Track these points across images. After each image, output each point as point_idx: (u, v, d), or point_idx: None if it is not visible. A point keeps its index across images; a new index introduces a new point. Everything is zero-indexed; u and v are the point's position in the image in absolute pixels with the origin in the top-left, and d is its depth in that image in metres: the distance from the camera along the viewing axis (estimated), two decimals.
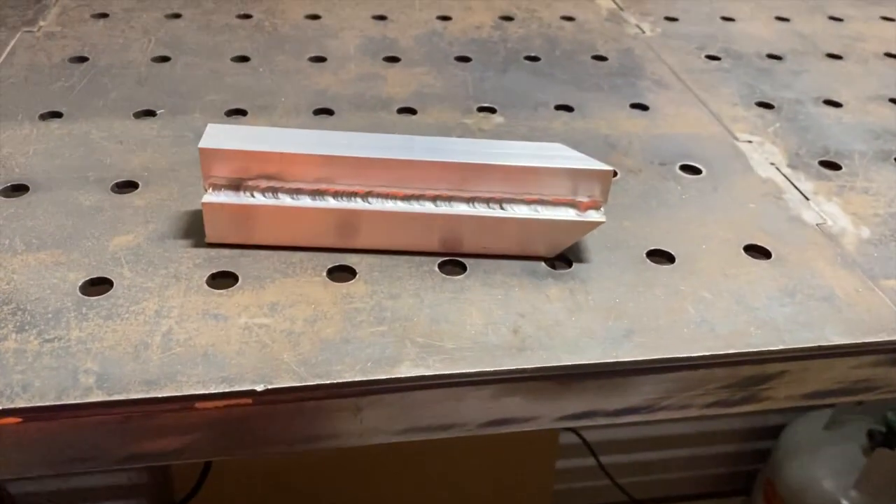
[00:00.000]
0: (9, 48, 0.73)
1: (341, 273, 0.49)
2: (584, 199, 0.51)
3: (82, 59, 0.72)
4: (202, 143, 0.48)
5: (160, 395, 0.40)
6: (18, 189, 0.55)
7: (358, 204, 0.50)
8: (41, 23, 0.79)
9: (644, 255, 0.52)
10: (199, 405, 0.40)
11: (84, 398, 0.39)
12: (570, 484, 1.61)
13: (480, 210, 0.50)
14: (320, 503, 1.36)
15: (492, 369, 0.43)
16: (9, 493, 1.29)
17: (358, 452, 1.23)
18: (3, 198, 0.53)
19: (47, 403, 0.39)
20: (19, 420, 0.39)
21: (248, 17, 0.84)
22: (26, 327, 0.43)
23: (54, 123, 0.62)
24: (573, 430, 1.46)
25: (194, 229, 0.51)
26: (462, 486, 1.41)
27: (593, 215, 0.51)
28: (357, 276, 0.49)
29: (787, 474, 1.45)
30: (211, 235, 0.50)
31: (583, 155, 0.51)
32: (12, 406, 0.39)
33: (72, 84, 0.68)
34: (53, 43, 0.75)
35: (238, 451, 0.44)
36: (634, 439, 1.61)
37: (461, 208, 0.50)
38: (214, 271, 0.48)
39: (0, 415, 0.38)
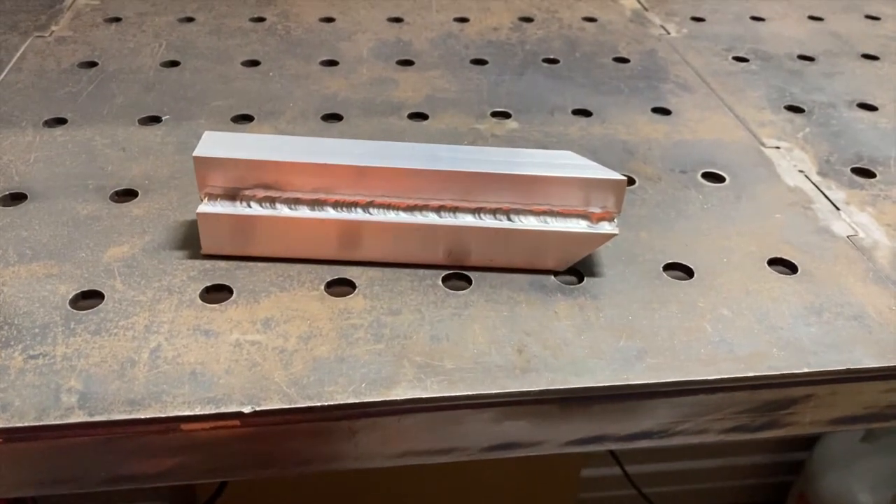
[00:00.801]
0: (19, 53, 0.73)
1: (340, 287, 0.47)
2: (597, 210, 0.48)
3: (91, 65, 0.71)
4: (197, 152, 0.47)
5: (143, 417, 0.38)
6: (17, 198, 0.53)
7: (359, 215, 0.48)
8: (53, 27, 0.78)
9: (660, 269, 0.50)
10: (184, 427, 0.38)
11: (64, 419, 0.38)
12: (595, 493, 1.58)
13: (487, 221, 0.48)
14: None
15: (492, 392, 0.40)
16: (32, 497, 1.30)
17: None
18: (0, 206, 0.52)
19: (26, 424, 0.37)
20: None
21: (261, 20, 0.82)
22: (12, 343, 0.42)
23: (58, 130, 0.61)
24: None
25: (191, 240, 0.49)
26: (486, 493, 1.39)
27: (606, 227, 0.48)
28: (356, 290, 0.47)
29: (822, 488, 1.41)
30: (206, 247, 0.48)
31: (595, 163, 0.48)
32: None
33: (79, 90, 0.67)
34: (64, 48, 0.74)
35: (228, 474, 0.42)
36: (661, 449, 1.57)
37: (467, 219, 0.48)
38: (208, 284, 0.46)
39: None
